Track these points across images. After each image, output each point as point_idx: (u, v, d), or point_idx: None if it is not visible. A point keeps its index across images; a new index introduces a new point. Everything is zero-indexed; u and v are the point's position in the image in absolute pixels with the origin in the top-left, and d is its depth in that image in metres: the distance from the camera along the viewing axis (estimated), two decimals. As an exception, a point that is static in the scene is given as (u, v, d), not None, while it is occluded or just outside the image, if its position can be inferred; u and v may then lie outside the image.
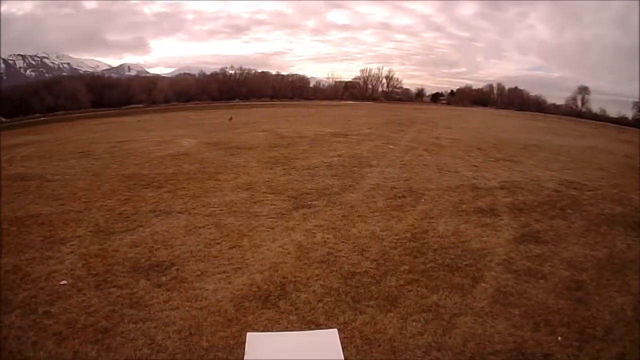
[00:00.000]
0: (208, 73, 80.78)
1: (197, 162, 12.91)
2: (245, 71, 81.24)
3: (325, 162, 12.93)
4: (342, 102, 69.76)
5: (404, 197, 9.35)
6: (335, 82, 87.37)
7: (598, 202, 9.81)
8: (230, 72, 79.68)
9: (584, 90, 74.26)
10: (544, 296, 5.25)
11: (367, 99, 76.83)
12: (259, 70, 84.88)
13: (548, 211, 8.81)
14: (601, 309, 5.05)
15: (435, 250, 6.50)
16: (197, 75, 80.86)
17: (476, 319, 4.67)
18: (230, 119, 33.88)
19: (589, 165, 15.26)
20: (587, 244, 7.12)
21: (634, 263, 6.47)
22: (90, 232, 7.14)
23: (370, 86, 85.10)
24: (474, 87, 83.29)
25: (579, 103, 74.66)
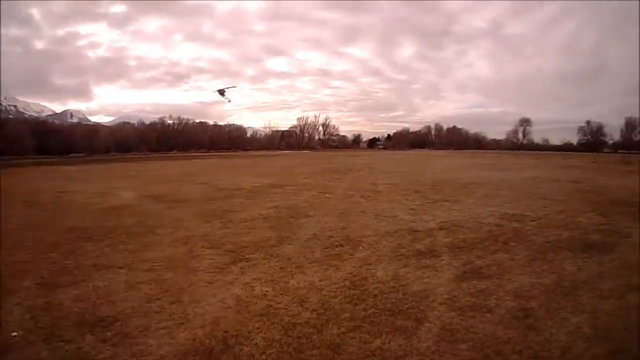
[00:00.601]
0: (147, 122, 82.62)
1: (136, 215, 13.36)
2: (184, 121, 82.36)
3: (262, 214, 13.21)
4: (279, 151, 71.34)
5: (341, 245, 9.46)
6: (272, 131, 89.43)
7: (542, 231, 10.47)
8: (169, 121, 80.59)
9: (525, 122, 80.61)
10: (491, 328, 5.37)
11: (304, 148, 78.91)
12: (197, 120, 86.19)
13: (490, 246, 9.21)
14: (555, 331, 5.26)
15: (375, 296, 6.55)
16: (136, 125, 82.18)
17: (422, 359, 4.70)
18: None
19: (531, 196, 16.42)
20: (533, 273, 7.46)
21: (586, 283, 6.89)
22: (37, 284, 7.22)
23: (306, 134, 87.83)
24: (411, 130, 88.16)
25: (520, 135, 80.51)
